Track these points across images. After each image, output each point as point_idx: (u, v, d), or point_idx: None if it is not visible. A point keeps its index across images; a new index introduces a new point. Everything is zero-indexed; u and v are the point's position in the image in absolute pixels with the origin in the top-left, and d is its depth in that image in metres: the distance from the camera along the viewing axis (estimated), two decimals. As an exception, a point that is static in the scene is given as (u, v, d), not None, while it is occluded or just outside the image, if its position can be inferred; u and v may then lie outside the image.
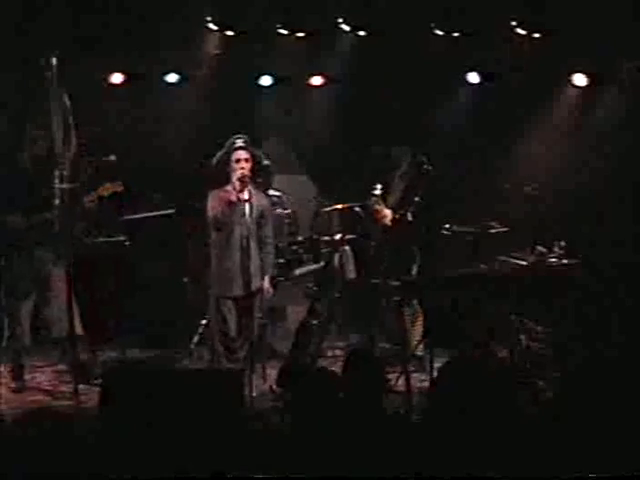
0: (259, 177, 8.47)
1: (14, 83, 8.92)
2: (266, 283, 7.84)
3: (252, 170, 7.78)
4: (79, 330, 7.99)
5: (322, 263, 8.80)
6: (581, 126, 9.94)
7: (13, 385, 7.89)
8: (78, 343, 7.87)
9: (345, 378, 4.91)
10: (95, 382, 7.44)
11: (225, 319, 7.63)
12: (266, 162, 8.85)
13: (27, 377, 8.16)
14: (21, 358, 7.98)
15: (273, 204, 8.58)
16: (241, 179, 7.62)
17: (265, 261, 7.83)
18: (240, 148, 7.70)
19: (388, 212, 8.28)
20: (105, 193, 7.99)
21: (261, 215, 7.79)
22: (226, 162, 7.70)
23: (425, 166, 8.37)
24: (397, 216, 8.27)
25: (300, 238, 9.37)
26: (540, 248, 7.85)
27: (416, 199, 8.25)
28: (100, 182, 7.98)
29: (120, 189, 8.05)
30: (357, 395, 4.77)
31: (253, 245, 7.67)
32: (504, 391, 4.15)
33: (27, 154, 7.72)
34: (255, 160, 7.81)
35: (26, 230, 7.66)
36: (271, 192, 8.82)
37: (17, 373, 7.95)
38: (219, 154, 7.74)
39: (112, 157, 8.00)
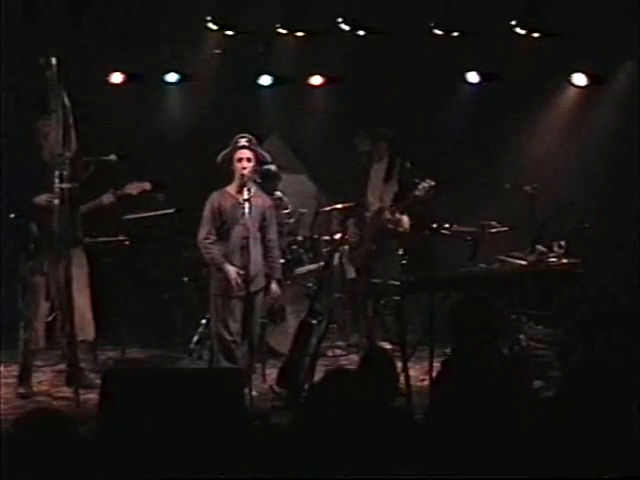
0: (265, 182, 8.45)
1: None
2: (274, 286, 7.82)
3: (255, 170, 7.75)
4: (92, 335, 7.92)
5: (322, 263, 8.80)
6: (581, 126, 9.95)
7: (21, 390, 7.70)
8: (83, 347, 7.85)
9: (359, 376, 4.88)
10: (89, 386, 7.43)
11: (224, 319, 7.62)
12: (273, 168, 8.83)
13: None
14: (31, 363, 7.80)
15: (275, 205, 8.56)
16: (242, 178, 7.60)
17: (272, 265, 7.78)
18: (242, 147, 7.67)
19: (405, 219, 8.29)
20: (134, 192, 7.94)
21: (263, 217, 7.74)
22: (229, 161, 7.68)
23: (405, 162, 8.37)
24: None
25: (300, 238, 9.37)
26: (540, 248, 7.85)
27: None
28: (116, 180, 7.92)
29: (149, 188, 8.02)
30: (361, 394, 4.76)
31: (254, 245, 7.63)
32: (503, 390, 4.15)
33: (46, 150, 7.46)
34: (258, 160, 7.75)
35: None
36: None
37: (25, 377, 7.77)
38: (223, 153, 7.71)
39: (112, 157, 7.98)
